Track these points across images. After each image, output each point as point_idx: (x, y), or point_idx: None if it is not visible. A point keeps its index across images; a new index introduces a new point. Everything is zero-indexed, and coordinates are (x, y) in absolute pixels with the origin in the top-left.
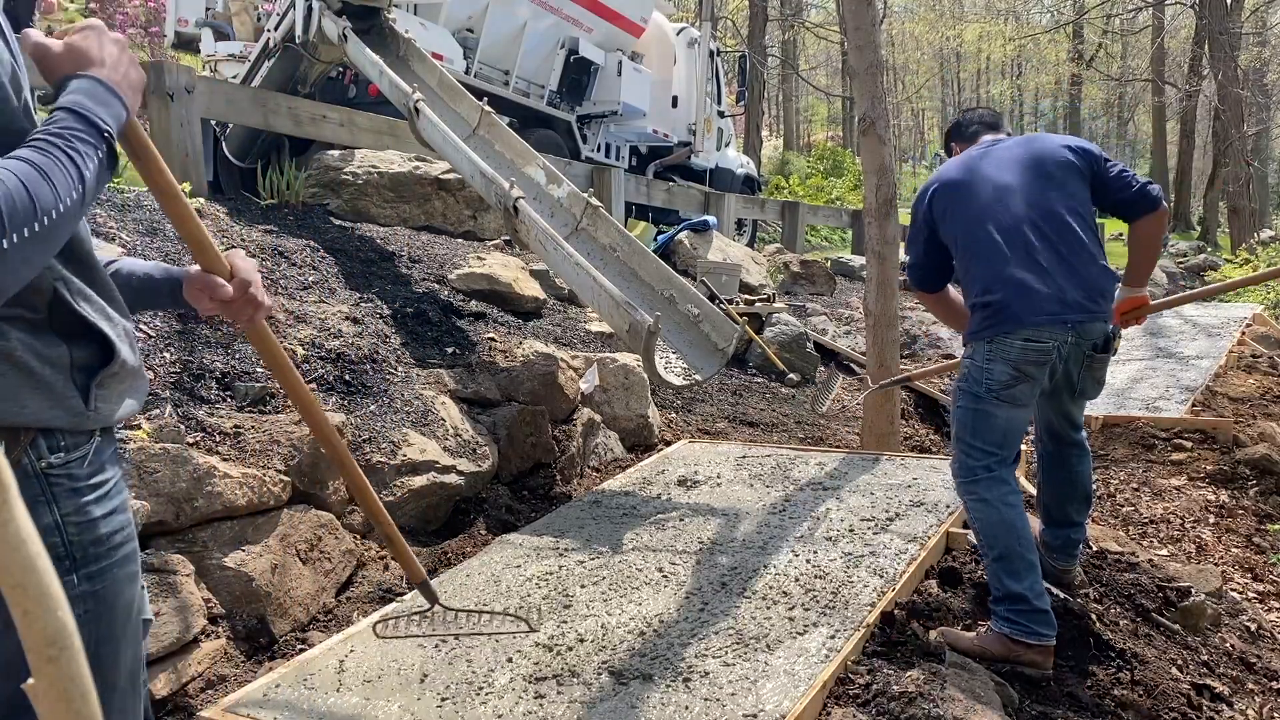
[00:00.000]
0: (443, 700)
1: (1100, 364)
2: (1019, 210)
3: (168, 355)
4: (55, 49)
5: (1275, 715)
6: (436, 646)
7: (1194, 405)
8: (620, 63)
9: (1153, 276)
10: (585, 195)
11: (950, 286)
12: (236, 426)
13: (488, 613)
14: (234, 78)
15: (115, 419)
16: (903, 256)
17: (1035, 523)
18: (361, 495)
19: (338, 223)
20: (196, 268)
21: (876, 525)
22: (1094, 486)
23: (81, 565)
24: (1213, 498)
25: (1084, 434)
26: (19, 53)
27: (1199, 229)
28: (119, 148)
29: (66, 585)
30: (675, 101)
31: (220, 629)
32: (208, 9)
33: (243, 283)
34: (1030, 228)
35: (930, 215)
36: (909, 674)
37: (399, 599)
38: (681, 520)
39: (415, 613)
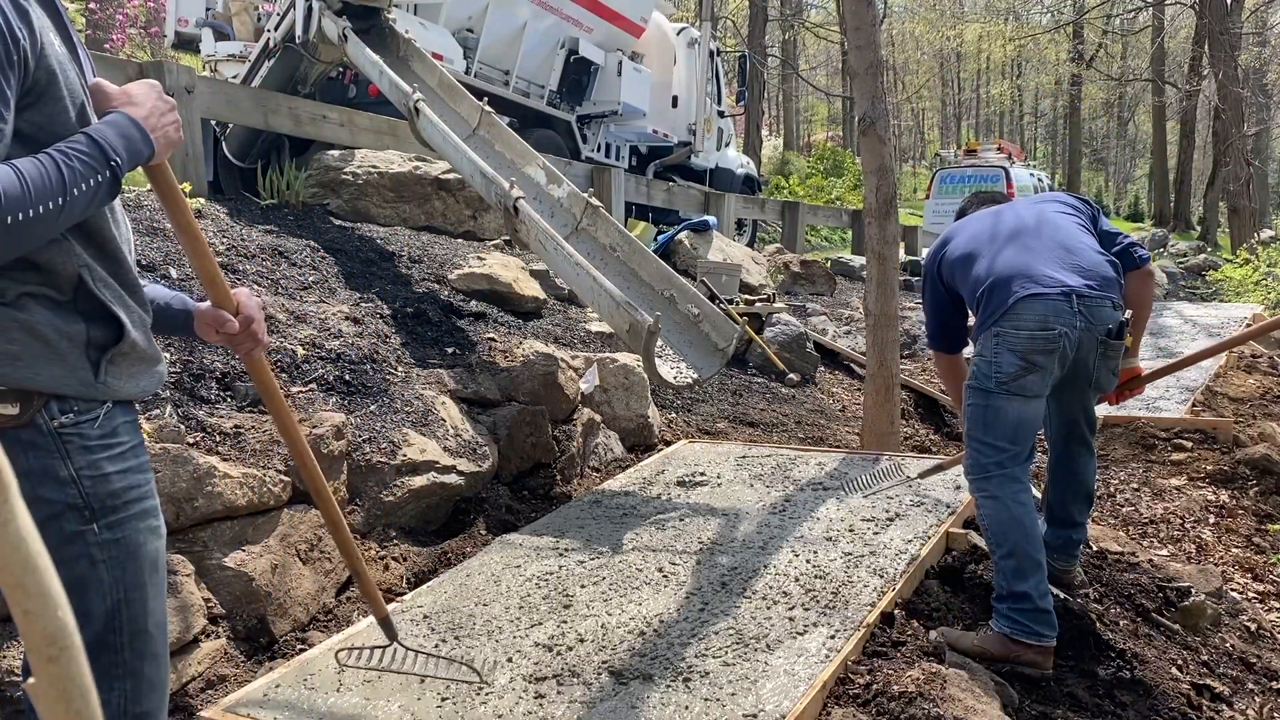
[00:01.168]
0: (443, 700)
1: (1115, 352)
2: (1014, 220)
3: (168, 355)
4: (111, 89)
5: (1275, 715)
6: (436, 646)
7: (1194, 405)
8: (620, 63)
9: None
10: (585, 195)
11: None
12: (236, 426)
13: (444, 659)
14: (234, 78)
15: (125, 394)
16: (903, 257)
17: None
18: (336, 530)
19: (338, 223)
20: (207, 303)
21: (876, 525)
22: (1095, 486)
23: (100, 515)
24: (1213, 498)
25: (1094, 435)
26: (85, 62)
27: (1199, 229)
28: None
29: (89, 534)
30: (675, 101)
31: (220, 629)
32: (208, 9)
33: (246, 318)
34: (1025, 229)
35: (936, 264)
36: (909, 674)
37: (399, 599)
38: (681, 520)
39: (375, 647)
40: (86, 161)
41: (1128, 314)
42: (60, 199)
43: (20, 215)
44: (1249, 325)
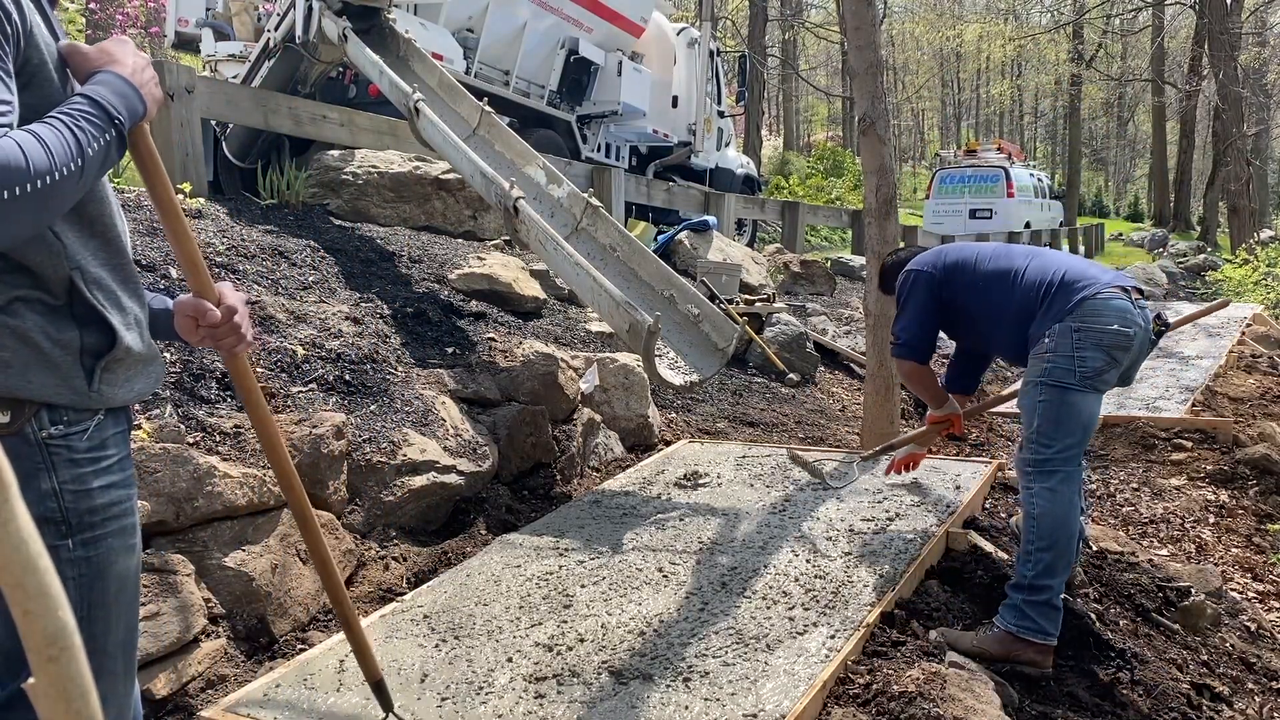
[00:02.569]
0: (443, 700)
1: (1151, 349)
2: (1021, 248)
3: (168, 355)
4: (88, 50)
5: (1275, 715)
6: (436, 646)
7: (1194, 405)
8: (620, 63)
9: (1153, 278)
10: (585, 195)
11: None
12: (237, 426)
13: None
14: (234, 78)
15: (120, 401)
16: None
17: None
18: (324, 567)
19: (338, 223)
20: (186, 296)
21: (876, 525)
22: (1094, 486)
23: (77, 531)
24: (1213, 498)
25: None
26: (64, 39)
27: (1199, 229)
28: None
29: (62, 550)
30: (675, 101)
31: (220, 629)
32: (208, 9)
33: (229, 309)
34: (1039, 250)
35: (941, 275)
36: (909, 674)
37: (399, 599)
38: (681, 520)
39: None
40: (94, 122)
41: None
42: (79, 160)
43: (46, 179)
44: (1249, 326)
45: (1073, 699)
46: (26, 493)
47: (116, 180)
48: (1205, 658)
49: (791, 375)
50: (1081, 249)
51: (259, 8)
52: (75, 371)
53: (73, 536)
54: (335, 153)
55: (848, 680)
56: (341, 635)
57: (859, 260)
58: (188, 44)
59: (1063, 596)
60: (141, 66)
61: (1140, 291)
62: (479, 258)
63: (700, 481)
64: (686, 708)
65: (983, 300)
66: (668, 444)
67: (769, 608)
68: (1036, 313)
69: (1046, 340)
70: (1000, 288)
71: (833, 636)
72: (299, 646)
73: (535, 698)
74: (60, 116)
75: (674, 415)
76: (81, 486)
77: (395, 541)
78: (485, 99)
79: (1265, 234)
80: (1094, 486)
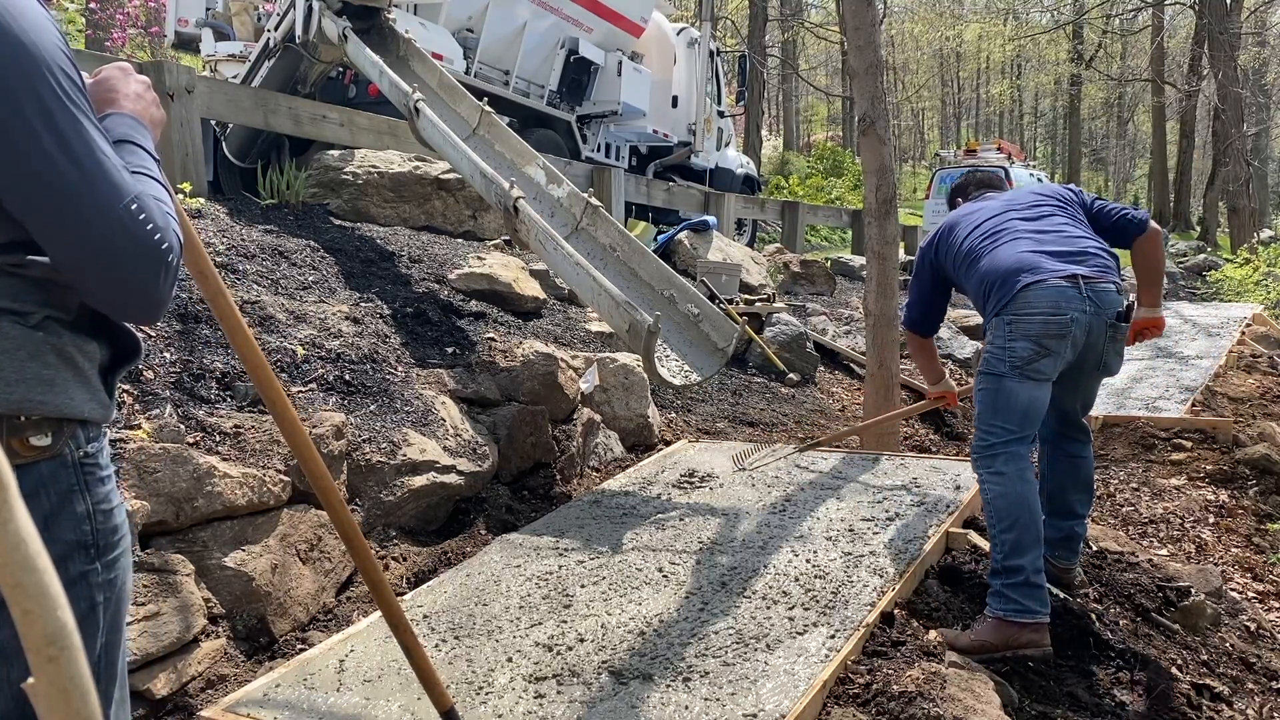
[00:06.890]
0: None
1: (1122, 334)
2: (1008, 215)
3: (168, 355)
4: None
5: (1275, 715)
6: (436, 647)
7: (1194, 405)
8: (620, 63)
9: None
10: (585, 195)
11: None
12: (236, 426)
13: None
14: (234, 78)
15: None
16: (903, 257)
17: None
18: (377, 590)
19: (338, 223)
20: None
21: (876, 525)
22: (1094, 486)
23: (103, 554)
24: (1213, 498)
25: (1087, 419)
26: None
27: (1199, 229)
28: None
29: (92, 574)
30: (675, 101)
31: (220, 629)
32: (208, 9)
33: None
34: (1018, 220)
35: (934, 251)
36: (909, 674)
37: (398, 599)
38: (681, 520)
39: None
40: (157, 172)
41: (1131, 299)
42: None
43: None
44: (1248, 326)
45: (1073, 699)
46: (62, 519)
47: None
48: (1205, 658)
49: (791, 375)
50: None
51: (259, 8)
52: (99, 385)
53: (100, 559)
54: (335, 153)
55: (848, 680)
56: (341, 635)
57: (859, 260)
58: (188, 44)
59: (1061, 596)
60: (139, 94)
61: (1089, 277)
62: (479, 258)
63: (700, 481)
64: (686, 708)
65: (963, 279)
66: (668, 444)
67: (769, 608)
68: (985, 305)
69: (988, 333)
70: (967, 273)
71: (832, 636)
72: (299, 646)
73: (535, 697)
74: (141, 171)
75: (674, 415)
76: (107, 505)
77: (395, 541)
78: (485, 99)
79: (1265, 234)
80: (1095, 486)
